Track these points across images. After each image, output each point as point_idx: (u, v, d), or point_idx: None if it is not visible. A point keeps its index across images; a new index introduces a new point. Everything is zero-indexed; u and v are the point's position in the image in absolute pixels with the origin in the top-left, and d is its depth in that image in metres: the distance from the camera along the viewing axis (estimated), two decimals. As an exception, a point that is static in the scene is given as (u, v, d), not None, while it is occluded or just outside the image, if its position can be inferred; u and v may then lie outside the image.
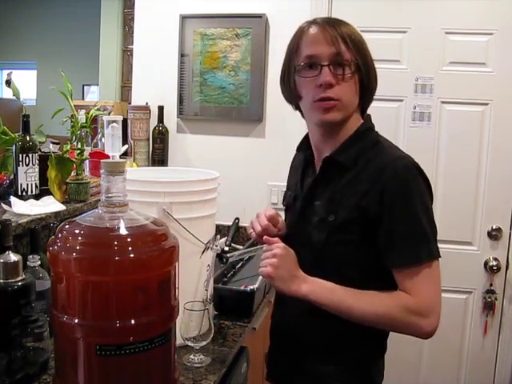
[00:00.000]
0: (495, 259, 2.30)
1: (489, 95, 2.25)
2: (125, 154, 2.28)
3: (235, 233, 2.20)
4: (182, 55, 2.49)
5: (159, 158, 2.51)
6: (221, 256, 1.80)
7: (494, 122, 2.26)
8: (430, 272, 1.09)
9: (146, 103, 2.52)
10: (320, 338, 1.20)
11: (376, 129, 1.24)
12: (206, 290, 1.39)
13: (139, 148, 2.48)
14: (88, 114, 1.78)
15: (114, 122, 1.88)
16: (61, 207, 1.59)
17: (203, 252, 1.36)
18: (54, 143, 1.82)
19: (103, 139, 2.07)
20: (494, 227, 2.29)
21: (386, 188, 1.09)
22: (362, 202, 1.11)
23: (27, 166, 1.56)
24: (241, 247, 2.08)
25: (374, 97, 1.23)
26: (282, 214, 1.36)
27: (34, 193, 1.59)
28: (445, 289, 2.19)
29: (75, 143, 1.73)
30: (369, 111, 1.25)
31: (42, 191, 1.62)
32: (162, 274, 0.95)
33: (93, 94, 5.72)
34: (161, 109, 2.49)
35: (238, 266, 1.92)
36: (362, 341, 1.19)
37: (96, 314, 0.90)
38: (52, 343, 1.07)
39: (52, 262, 0.94)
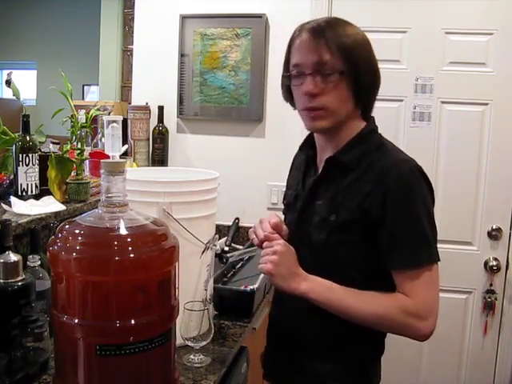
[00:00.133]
0: (495, 259, 2.30)
1: (489, 95, 2.25)
2: (125, 154, 2.28)
3: (235, 233, 2.20)
4: (181, 55, 2.49)
5: (159, 158, 2.51)
6: (221, 256, 1.80)
7: (494, 122, 2.26)
8: (430, 275, 1.09)
9: (146, 103, 2.52)
10: (319, 336, 1.20)
11: (376, 129, 1.24)
12: (206, 290, 1.39)
13: (139, 148, 2.48)
14: (88, 113, 1.78)
15: (114, 121, 1.88)
16: (61, 207, 1.59)
17: (203, 252, 1.36)
18: (53, 143, 1.82)
19: (103, 139, 2.07)
20: (494, 227, 2.29)
21: (389, 190, 1.09)
22: (364, 204, 1.11)
23: (27, 165, 1.56)
24: (241, 247, 2.08)
25: (374, 97, 1.23)
26: (281, 214, 1.36)
27: (34, 193, 1.59)
28: (445, 289, 2.23)
29: (75, 143, 1.73)
30: (369, 111, 1.25)
31: (42, 191, 1.62)
32: (161, 274, 0.95)
33: (93, 94, 5.73)
34: (161, 109, 2.49)
35: (238, 266, 1.92)
36: (361, 341, 1.19)
37: (96, 314, 0.90)
38: (52, 343, 1.07)
39: (52, 262, 0.94)
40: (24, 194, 1.56)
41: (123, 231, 0.94)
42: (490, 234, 2.30)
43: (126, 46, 3.26)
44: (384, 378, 1.27)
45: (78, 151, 1.74)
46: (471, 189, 2.30)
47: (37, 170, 1.59)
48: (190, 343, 1.27)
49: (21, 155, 1.55)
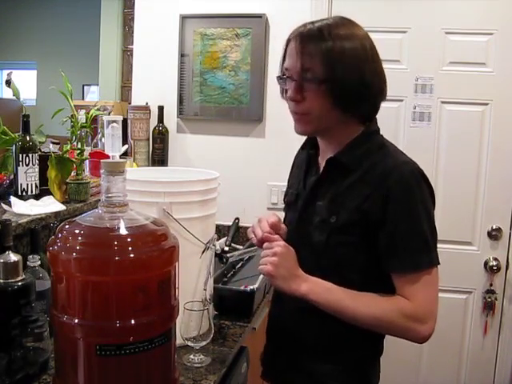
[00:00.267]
0: (495, 259, 2.30)
1: (489, 95, 2.25)
2: (125, 154, 2.28)
3: (235, 233, 2.20)
4: (182, 55, 2.49)
5: (159, 158, 2.51)
6: (221, 256, 1.80)
7: (494, 122, 2.26)
8: (429, 279, 1.09)
9: (146, 103, 2.52)
10: (318, 337, 1.20)
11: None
12: (205, 290, 1.39)
13: (139, 148, 2.48)
14: (88, 113, 1.78)
15: (114, 121, 1.88)
16: (61, 207, 1.59)
17: (203, 252, 1.36)
18: (53, 143, 1.82)
19: (103, 139, 2.07)
20: (494, 227, 2.29)
21: (390, 193, 1.09)
22: (364, 205, 1.10)
23: (27, 165, 1.56)
24: (241, 247, 2.08)
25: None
26: (281, 214, 1.36)
27: (34, 193, 1.59)
28: (445, 289, 2.23)
29: (75, 143, 1.73)
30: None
31: (42, 191, 1.62)
32: (162, 274, 0.95)
33: (93, 94, 5.73)
34: (161, 109, 2.49)
35: (238, 266, 1.92)
36: (361, 341, 1.18)
37: (96, 314, 0.90)
38: (52, 343, 1.07)
39: (52, 262, 0.94)
40: (24, 193, 1.56)
41: (123, 231, 0.94)
42: (490, 234, 2.30)
43: (126, 45, 3.26)
44: (384, 378, 1.27)
45: (78, 151, 1.74)
46: (471, 189, 2.30)
47: (37, 169, 1.59)
48: (190, 343, 1.27)
49: (21, 155, 1.55)
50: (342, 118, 1.15)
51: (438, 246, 1.12)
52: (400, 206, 1.09)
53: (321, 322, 1.17)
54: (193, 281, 1.36)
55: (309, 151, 1.29)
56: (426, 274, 1.09)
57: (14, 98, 1.68)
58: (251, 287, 1.61)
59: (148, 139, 2.51)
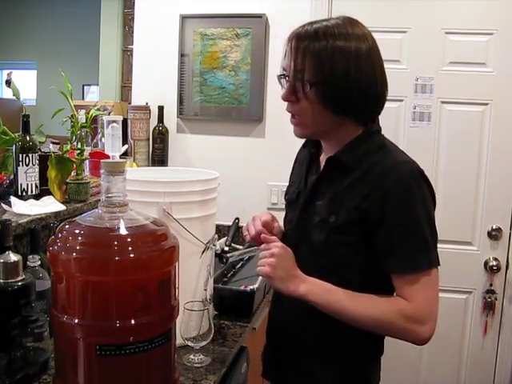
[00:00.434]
0: (495, 259, 2.30)
1: (489, 95, 2.25)
2: (125, 154, 2.28)
3: (235, 233, 2.20)
4: (182, 55, 2.49)
5: (159, 158, 2.51)
6: (221, 256, 1.80)
7: (494, 122, 2.26)
8: (429, 280, 1.08)
9: (146, 103, 2.52)
10: (318, 337, 1.19)
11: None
12: (205, 290, 1.39)
13: (139, 148, 2.48)
14: (88, 114, 1.78)
15: (114, 121, 1.88)
16: (61, 207, 1.59)
17: (203, 252, 1.36)
18: (53, 143, 1.82)
19: (103, 139, 2.07)
20: (494, 227, 2.29)
21: (389, 192, 1.08)
22: (362, 205, 1.10)
23: (27, 166, 1.56)
24: (241, 247, 2.08)
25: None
26: (281, 214, 1.36)
27: (34, 193, 1.59)
28: (445, 289, 2.23)
29: (75, 143, 1.73)
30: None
31: (42, 191, 1.62)
32: (162, 274, 0.95)
33: (93, 94, 5.73)
34: (161, 109, 2.49)
35: (238, 266, 1.92)
36: (361, 342, 1.18)
37: (96, 314, 0.90)
38: (52, 343, 1.07)
39: (52, 262, 0.94)
40: (24, 194, 1.56)
41: (123, 231, 0.94)
42: (490, 234, 2.30)
43: (126, 45, 3.26)
44: (384, 379, 1.27)
45: (78, 151, 1.74)
46: (471, 189, 2.30)
47: (37, 169, 1.59)
48: (190, 343, 1.27)
49: (21, 155, 1.55)
50: (337, 120, 1.14)
51: (438, 246, 1.11)
52: (399, 206, 1.08)
53: (321, 323, 1.16)
54: (193, 281, 1.36)
55: (310, 149, 1.29)
56: (425, 275, 1.08)
57: (14, 98, 1.68)
58: (251, 287, 1.61)
59: (148, 139, 2.51)
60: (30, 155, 1.57)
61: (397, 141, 1.23)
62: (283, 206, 1.38)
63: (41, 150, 1.67)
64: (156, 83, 2.56)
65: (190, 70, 2.49)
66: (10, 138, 1.60)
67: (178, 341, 1.12)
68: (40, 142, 1.69)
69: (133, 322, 0.90)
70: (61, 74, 1.70)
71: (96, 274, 0.89)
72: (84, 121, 1.75)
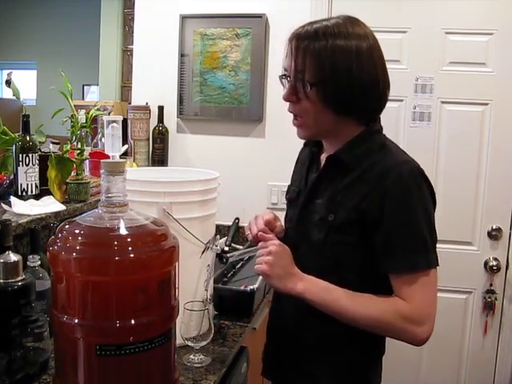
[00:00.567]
0: (495, 259, 2.30)
1: (489, 95, 2.25)
2: (125, 154, 2.28)
3: (235, 233, 2.20)
4: (182, 55, 2.49)
5: (159, 158, 2.51)
6: (221, 256, 1.80)
7: (494, 122, 2.26)
8: (427, 280, 1.08)
9: (146, 103, 2.52)
10: (318, 337, 1.19)
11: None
12: (206, 290, 1.39)
13: (139, 148, 2.48)
14: (88, 113, 1.78)
15: (114, 122, 1.88)
16: (61, 207, 1.59)
17: (203, 252, 1.36)
18: (54, 143, 1.82)
19: (103, 139, 2.07)
20: (494, 227, 2.29)
21: (388, 192, 1.08)
22: (361, 204, 1.10)
23: (27, 166, 1.56)
24: (241, 247, 2.08)
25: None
26: (281, 214, 1.36)
27: (34, 193, 1.59)
28: (445, 289, 2.23)
29: (75, 143, 1.73)
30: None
31: (42, 191, 1.62)
32: (161, 274, 0.95)
33: (93, 94, 5.73)
34: (161, 109, 2.49)
35: (238, 266, 1.92)
36: (362, 342, 1.18)
37: (96, 314, 0.90)
38: (52, 343, 1.07)
39: (52, 262, 0.94)
40: (24, 194, 1.56)
41: (123, 231, 0.94)
42: (490, 234, 2.30)
43: (126, 46, 3.26)
44: (384, 378, 1.27)
45: (78, 151, 1.74)
46: (471, 189, 2.30)
47: (37, 169, 1.59)
48: (190, 343, 1.27)
49: (21, 155, 1.55)
50: (338, 119, 1.14)
51: (438, 246, 1.11)
52: (398, 206, 1.08)
53: (321, 323, 1.16)
54: (193, 281, 1.36)
55: (312, 148, 1.29)
56: (423, 276, 1.07)
57: (14, 98, 1.68)
58: (251, 287, 1.61)
59: (148, 139, 2.51)
60: (30, 155, 1.57)
61: (397, 141, 1.23)
62: (283, 206, 1.38)
63: (41, 150, 1.67)
64: (156, 83, 2.56)
65: (190, 70, 2.49)
66: (10, 138, 1.60)
67: (178, 341, 1.12)
68: (40, 142, 1.69)
69: (133, 322, 0.90)
70: (61, 74, 1.70)
71: (96, 274, 0.89)
72: (84, 121, 1.75)
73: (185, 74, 2.50)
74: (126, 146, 2.33)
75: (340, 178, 1.16)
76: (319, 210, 1.17)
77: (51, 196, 1.63)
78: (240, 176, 2.46)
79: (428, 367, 2.42)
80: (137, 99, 2.58)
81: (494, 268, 2.29)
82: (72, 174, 1.73)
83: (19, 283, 1.10)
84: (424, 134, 2.31)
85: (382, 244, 1.09)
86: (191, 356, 1.29)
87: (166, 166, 2.51)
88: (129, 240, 0.93)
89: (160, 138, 2.50)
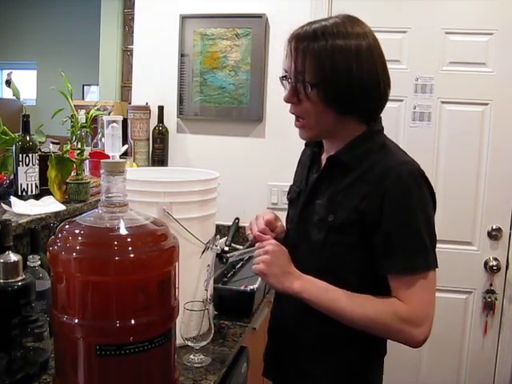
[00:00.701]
0: (495, 259, 2.30)
1: (489, 95, 2.25)
2: (125, 154, 2.28)
3: (235, 233, 2.20)
4: (182, 55, 2.49)
5: (159, 158, 2.51)
6: (221, 256, 1.80)
7: (494, 122, 2.26)
8: (426, 282, 1.08)
9: (146, 103, 2.52)
10: (318, 337, 1.19)
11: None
12: (206, 290, 1.39)
13: (139, 148, 2.48)
14: (88, 113, 1.78)
15: (114, 121, 1.89)
16: (61, 207, 1.59)
17: (203, 252, 1.36)
18: (54, 143, 1.82)
19: (103, 139, 2.07)
20: (494, 227, 2.29)
21: (388, 193, 1.07)
22: (361, 205, 1.10)
23: (27, 165, 1.56)
24: (241, 247, 2.08)
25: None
26: (281, 214, 1.36)
27: (34, 193, 1.59)
28: (445, 289, 2.23)
29: (75, 143, 1.73)
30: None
31: (42, 191, 1.62)
32: (161, 274, 0.95)
33: (93, 94, 5.73)
34: (161, 109, 2.49)
35: (238, 266, 1.92)
36: (361, 342, 1.18)
37: (96, 314, 0.90)
38: (52, 343, 1.07)
39: (52, 262, 0.94)
40: (24, 194, 1.56)
41: (123, 231, 0.94)
42: (490, 234, 2.30)
43: (126, 45, 3.26)
44: (384, 378, 1.27)
45: (78, 151, 1.74)
46: (471, 189, 2.30)
47: (37, 169, 1.59)
48: (190, 343, 1.27)
49: (21, 155, 1.55)
50: (340, 119, 1.14)
51: (438, 245, 1.11)
52: (397, 207, 1.08)
53: (320, 323, 1.16)
54: (193, 281, 1.36)
55: (313, 149, 1.29)
56: (422, 277, 1.07)
57: (14, 98, 1.68)
58: (251, 287, 1.61)
59: (148, 139, 2.51)
60: (30, 155, 1.57)
61: (397, 141, 1.23)
62: (283, 206, 1.39)
63: (41, 150, 1.67)
64: (156, 83, 2.56)
65: (190, 70, 2.49)
66: (10, 138, 1.60)
67: (178, 341, 1.12)
68: (40, 142, 1.69)
69: (133, 322, 0.90)
70: (61, 74, 1.70)
71: (96, 274, 0.89)
72: (84, 121, 1.75)
73: (185, 74, 2.50)
74: (126, 146, 2.33)
75: (340, 179, 1.16)
76: (319, 211, 1.17)
77: (51, 196, 1.63)
78: (240, 176, 2.46)
79: (428, 367, 2.42)
80: (137, 99, 2.58)
81: (494, 268, 2.29)
82: (72, 174, 1.73)
83: (19, 283, 1.10)
84: (424, 134, 2.31)
85: (381, 245, 1.09)
86: (191, 356, 1.29)
87: (166, 166, 2.51)
88: (129, 240, 0.93)
89: (160, 138, 2.50)
